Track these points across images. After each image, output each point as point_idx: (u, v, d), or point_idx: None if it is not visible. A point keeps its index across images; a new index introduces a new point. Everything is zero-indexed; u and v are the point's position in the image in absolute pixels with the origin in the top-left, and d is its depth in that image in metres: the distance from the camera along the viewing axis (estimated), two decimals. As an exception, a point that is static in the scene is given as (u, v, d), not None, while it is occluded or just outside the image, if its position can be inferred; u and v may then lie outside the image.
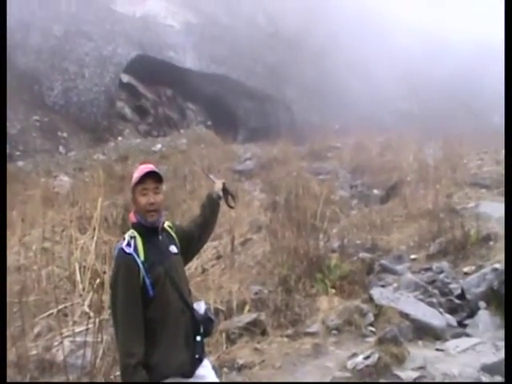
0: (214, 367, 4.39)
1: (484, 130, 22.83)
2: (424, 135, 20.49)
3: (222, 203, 4.60)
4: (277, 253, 9.40)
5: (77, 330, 6.56)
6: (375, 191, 16.08)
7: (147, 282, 3.79)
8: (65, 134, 25.53)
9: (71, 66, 27.33)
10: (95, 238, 9.07)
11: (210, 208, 4.47)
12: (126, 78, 28.16)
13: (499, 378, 5.88)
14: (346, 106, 30.61)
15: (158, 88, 28.99)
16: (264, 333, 7.47)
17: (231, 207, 4.76)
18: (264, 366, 6.62)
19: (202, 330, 4.00)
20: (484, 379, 5.93)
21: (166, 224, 4.15)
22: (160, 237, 4.01)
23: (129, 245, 3.85)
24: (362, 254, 10.16)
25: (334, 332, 7.37)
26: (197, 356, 3.94)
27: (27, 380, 5.91)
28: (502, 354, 6.36)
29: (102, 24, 28.95)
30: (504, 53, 5.16)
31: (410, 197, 13.97)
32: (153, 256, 3.88)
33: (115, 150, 23.30)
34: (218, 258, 10.09)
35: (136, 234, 3.93)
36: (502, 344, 6.82)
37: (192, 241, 4.29)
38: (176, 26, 31.12)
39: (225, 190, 4.56)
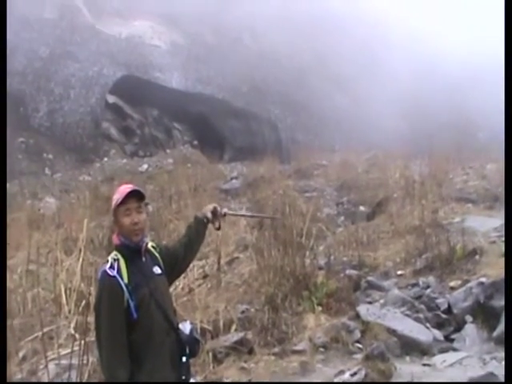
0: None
1: (469, 146, 22.99)
2: (410, 152, 20.59)
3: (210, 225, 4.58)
4: (263, 271, 9.37)
5: (62, 352, 6.49)
6: (361, 208, 16.12)
7: (131, 304, 3.77)
8: (50, 156, 25.48)
9: (57, 87, 27.33)
10: (81, 259, 8.99)
11: (196, 228, 4.44)
12: (111, 99, 28.17)
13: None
14: (332, 123, 30.76)
15: (144, 108, 29.00)
16: (251, 352, 7.42)
17: (217, 229, 4.68)
18: (251, 386, 6.59)
19: (187, 350, 3.97)
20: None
21: (150, 244, 4.13)
22: (144, 258, 3.99)
23: (112, 267, 3.83)
24: (349, 271, 10.18)
25: (321, 349, 7.35)
26: (183, 377, 3.92)
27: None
28: (488, 368, 6.40)
29: (87, 45, 29.01)
30: (504, 55, 5.22)
31: (396, 213, 14.01)
32: (137, 278, 3.86)
33: (101, 171, 23.27)
34: (205, 277, 10.03)
35: (119, 256, 3.91)
36: (488, 357, 6.85)
37: (177, 260, 4.26)
38: (162, 46, 31.24)
39: (214, 212, 4.52)
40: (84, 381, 6.00)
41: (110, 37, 29.81)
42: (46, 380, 6.07)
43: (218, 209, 4.56)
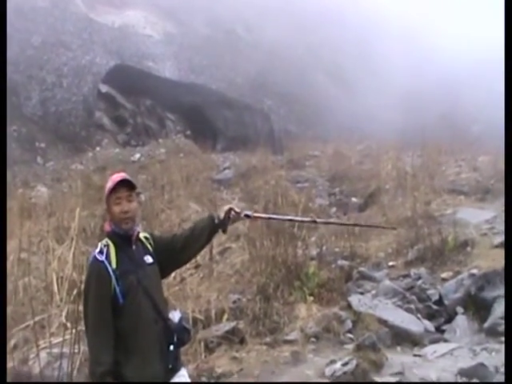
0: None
1: (462, 139, 23.04)
2: (403, 143, 20.60)
3: None
4: (255, 261, 9.38)
5: (54, 341, 6.49)
6: (354, 199, 16.13)
7: (117, 289, 3.79)
8: (43, 145, 25.40)
9: (49, 76, 27.22)
10: (73, 248, 8.98)
11: (202, 226, 4.30)
12: (104, 88, 28.05)
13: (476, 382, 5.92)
14: (325, 114, 30.76)
15: (136, 98, 28.88)
16: (242, 341, 7.44)
17: (223, 232, 4.40)
18: (242, 375, 6.59)
19: (175, 339, 3.96)
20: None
21: (142, 235, 4.13)
22: (134, 246, 4.00)
23: (101, 252, 3.87)
24: (341, 262, 10.19)
25: (313, 339, 7.37)
26: (170, 366, 3.91)
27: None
28: (478, 359, 6.44)
29: (80, 34, 28.89)
30: (504, 55, 5.22)
31: (388, 204, 14.03)
32: (125, 265, 3.88)
33: (93, 160, 23.17)
34: (197, 267, 10.03)
35: (110, 242, 3.93)
36: (479, 348, 6.88)
37: (172, 252, 4.21)
38: (155, 35, 31.16)
39: (229, 214, 4.26)
40: (75, 369, 5.99)
41: (103, 26, 29.72)
42: (38, 369, 6.07)
43: (235, 211, 4.31)
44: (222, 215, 4.27)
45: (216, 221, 4.28)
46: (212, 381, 6.56)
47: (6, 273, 6.55)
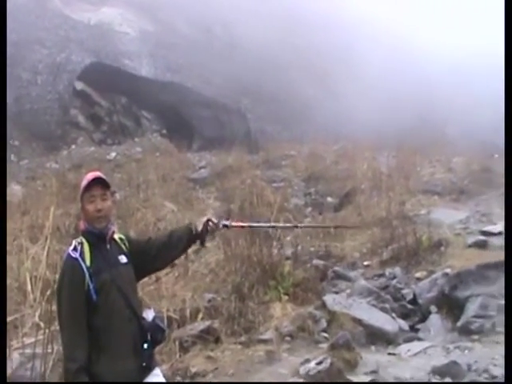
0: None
1: (438, 140, 23.21)
2: (379, 144, 20.71)
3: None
4: (230, 260, 9.38)
5: (27, 341, 6.44)
6: (329, 199, 16.16)
7: (91, 286, 3.78)
8: (17, 143, 25.09)
9: (24, 73, 26.91)
10: (47, 247, 8.90)
11: (180, 236, 4.31)
12: (79, 86, 27.78)
13: (449, 380, 5.97)
14: (302, 115, 30.78)
15: (112, 96, 28.67)
16: (217, 340, 7.44)
17: (201, 245, 4.38)
18: (217, 374, 6.59)
19: (149, 337, 3.97)
20: (434, 381, 6.02)
21: (117, 236, 4.14)
22: (108, 245, 4.00)
23: (75, 250, 3.87)
24: (316, 261, 10.23)
25: (288, 339, 7.39)
26: (144, 364, 3.92)
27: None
28: (451, 357, 6.49)
29: (55, 31, 28.58)
30: (504, 56, 5.27)
31: (363, 204, 14.10)
32: (99, 263, 3.88)
33: (68, 159, 22.98)
34: (172, 266, 9.99)
35: (84, 240, 3.94)
36: (452, 347, 6.95)
37: (146, 257, 4.20)
38: (131, 33, 30.91)
39: (207, 225, 4.22)
40: (48, 369, 5.94)
41: (78, 23, 29.41)
42: (10, 370, 6.01)
43: (212, 222, 4.26)
44: (199, 227, 4.24)
45: (193, 232, 4.26)
46: (187, 380, 6.55)
47: (5, 273, 6.48)
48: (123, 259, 4.03)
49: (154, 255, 4.24)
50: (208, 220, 4.26)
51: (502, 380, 5.70)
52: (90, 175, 3.99)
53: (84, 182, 3.95)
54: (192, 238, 4.30)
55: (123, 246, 4.11)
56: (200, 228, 4.22)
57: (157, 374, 4.05)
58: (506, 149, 5.23)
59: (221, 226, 4.31)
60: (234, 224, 4.59)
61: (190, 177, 18.96)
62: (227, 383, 6.43)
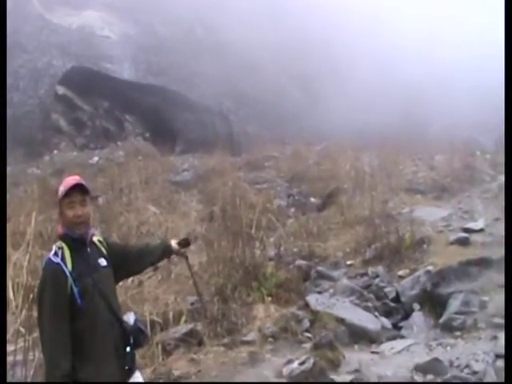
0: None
1: (420, 138, 23.33)
2: (361, 144, 20.77)
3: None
4: (213, 263, 9.36)
5: (9, 349, 6.38)
6: (312, 199, 16.16)
7: (75, 290, 3.77)
8: (-2, 149, 24.95)
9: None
10: (29, 253, 8.84)
11: (161, 252, 4.56)
12: (61, 90, 27.63)
13: (431, 377, 6.00)
14: (285, 116, 30.82)
15: (94, 100, 28.53)
16: (200, 343, 7.42)
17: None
18: (200, 376, 6.57)
19: (131, 340, 3.99)
20: (417, 378, 6.04)
21: (96, 238, 4.14)
22: (88, 249, 4.00)
23: (56, 254, 3.85)
24: (299, 262, 10.23)
25: (271, 339, 7.38)
26: (127, 367, 3.93)
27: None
28: (434, 354, 6.52)
29: (37, 35, 28.48)
30: (504, 54, 5.29)
31: (346, 204, 14.11)
32: (80, 267, 3.86)
33: (50, 164, 22.85)
34: (155, 269, 9.96)
35: (64, 245, 3.92)
36: (434, 344, 6.98)
37: (125, 261, 4.27)
38: (113, 36, 30.85)
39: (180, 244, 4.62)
40: (30, 377, 5.90)
41: (59, 27, 29.32)
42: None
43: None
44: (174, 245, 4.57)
45: (169, 245, 4.55)
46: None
47: (6, 273, 6.42)
48: (103, 262, 4.03)
49: (131, 260, 4.32)
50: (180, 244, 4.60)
51: (483, 375, 5.74)
52: (69, 180, 3.97)
53: (62, 188, 3.93)
54: (167, 249, 4.54)
55: (103, 249, 4.11)
56: (174, 246, 4.56)
57: (138, 377, 4.07)
58: (506, 148, 5.27)
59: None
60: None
61: (172, 180, 18.92)
62: (212, 383, 6.42)
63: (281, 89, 32.31)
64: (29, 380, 5.88)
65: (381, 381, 6.21)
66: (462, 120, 26.19)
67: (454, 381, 5.84)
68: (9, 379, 5.90)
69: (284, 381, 6.22)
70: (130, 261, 4.30)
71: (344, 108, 29.00)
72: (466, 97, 27.94)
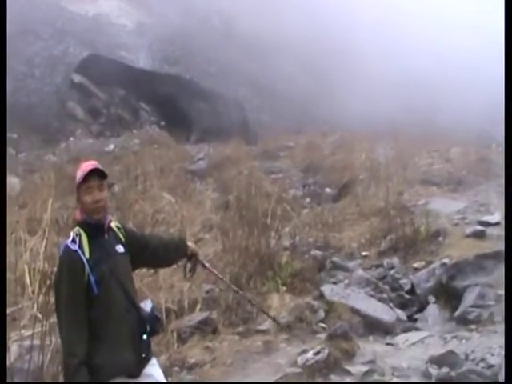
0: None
1: (431, 130, 23.17)
2: (376, 134, 20.67)
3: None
4: (228, 252, 9.39)
5: (26, 333, 6.44)
6: (327, 190, 16.12)
7: (92, 279, 3.76)
8: (15, 136, 25.03)
9: (20, 65, 26.80)
10: (45, 240, 8.90)
11: (176, 252, 4.63)
12: (77, 78, 27.72)
13: (446, 370, 5.99)
14: (299, 105, 30.74)
15: (110, 88, 28.60)
16: (215, 331, 7.46)
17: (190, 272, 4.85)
18: (215, 364, 6.61)
19: (148, 328, 3.98)
20: (431, 370, 6.03)
21: (114, 224, 4.12)
22: (106, 235, 3.99)
23: (74, 241, 3.83)
24: (314, 252, 10.21)
25: (285, 329, 7.40)
26: (143, 355, 3.93)
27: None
28: (449, 346, 6.52)
29: (52, 23, 28.45)
30: (504, 54, 5.25)
31: (361, 195, 14.08)
32: (98, 254, 3.86)
33: (67, 151, 22.92)
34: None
35: (82, 231, 3.90)
36: (449, 336, 6.96)
37: (144, 250, 4.28)
38: (129, 25, 30.81)
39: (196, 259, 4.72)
40: (46, 361, 5.95)
41: (76, 15, 29.28)
42: (9, 362, 6.02)
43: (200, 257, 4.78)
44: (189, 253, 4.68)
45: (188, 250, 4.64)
46: (185, 370, 6.57)
47: (5, 271, 6.47)
48: (120, 249, 4.03)
49: (148, 254, 4.33)
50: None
51: (499, 369, 5.73)
52: (86, 165, 3.95)
53: (80, 173, 3.91)
54: (182, 253, 4.65)
55: (120, 235, 4.10)
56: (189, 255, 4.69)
57: (154, 364, 4.07)
58: (506, 148, 5.23)
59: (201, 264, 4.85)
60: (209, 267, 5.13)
61: (188, 168, 18.92)
62: (212, 383, 6.43)
63: (295, 77, 32.19)
64: (46, 364, 5.92)
65: (395, 372, 6.22)
66: (474, 113, 26.00)
67: (468, 374, 5.83)
68: (26, 364, 5.97)
69: (298, 370, 6.23)
70: (146, 255, 4.30)
71: (357, 98, 28.89)
72: (476, 89, 27.71)
